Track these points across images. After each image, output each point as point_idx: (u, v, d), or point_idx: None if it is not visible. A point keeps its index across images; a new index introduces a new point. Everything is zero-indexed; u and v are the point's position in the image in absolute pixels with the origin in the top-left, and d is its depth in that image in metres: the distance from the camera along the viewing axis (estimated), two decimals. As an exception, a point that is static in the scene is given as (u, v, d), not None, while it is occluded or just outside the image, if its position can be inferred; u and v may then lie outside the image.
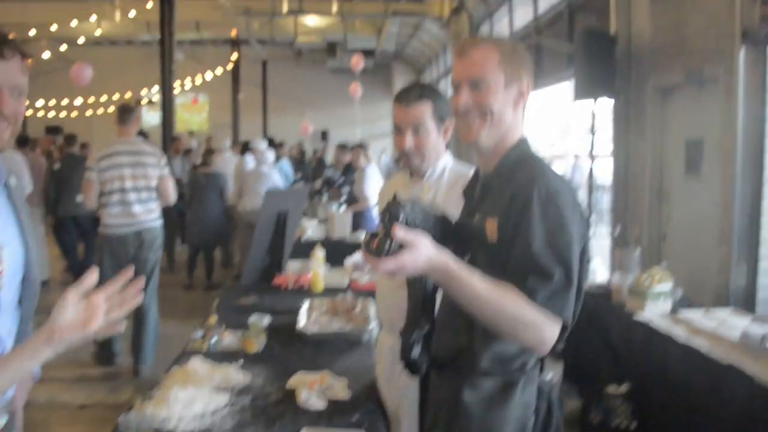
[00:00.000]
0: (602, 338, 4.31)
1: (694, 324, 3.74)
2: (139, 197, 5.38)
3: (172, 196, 5.62)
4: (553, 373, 1.90)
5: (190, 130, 17.04)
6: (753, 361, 3.10)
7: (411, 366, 1.79)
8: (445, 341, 1.84)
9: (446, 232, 1.72)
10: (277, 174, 8.46)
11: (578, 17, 8.33)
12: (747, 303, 4.71)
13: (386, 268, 1.50)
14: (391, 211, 1.54)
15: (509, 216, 1.68)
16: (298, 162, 14.35)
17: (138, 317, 5.54)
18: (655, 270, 4.14)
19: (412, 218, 1.56)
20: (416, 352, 1.75)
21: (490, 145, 1.82)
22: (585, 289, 1.73)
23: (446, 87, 15.90)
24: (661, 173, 6.08)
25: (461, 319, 1.69)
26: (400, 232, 1.49)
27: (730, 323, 3.72)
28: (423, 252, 1.51)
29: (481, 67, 1.76)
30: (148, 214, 5.46)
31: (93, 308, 1.46)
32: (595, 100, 6.59)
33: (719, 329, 3.60)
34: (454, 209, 1.95)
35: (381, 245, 1.49)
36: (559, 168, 1.80)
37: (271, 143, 9.95)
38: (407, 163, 2.51)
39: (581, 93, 6.40)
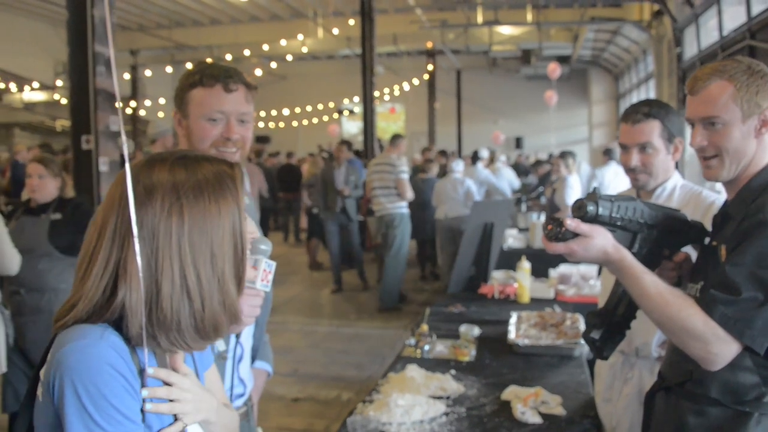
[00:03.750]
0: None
1: None
2: (383, 192, 7.85)
3: (407, 193, 7.81)
4: None
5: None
6: None
7: (589, 345, 1.86)
8: (675, 364, 1.78)
9: (675, 231, 1.77)
10: (470, 180, 8.63)
11: (802, 16, 7.55)
12: None
13: (555, 250, 1.61)
14: (579, 204, 1.63)
15: (733, 238, 1.63)
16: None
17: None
18: None
19: (605, 213, 1.62)
20: (595, 334, 1.81)
21: (731, 178, 1.75)
22: None
23: (647, 92, 15.12)
24: None
25: None
26: (571, 223, 1.58)
27: None
28: (597, 242, 1.58)
29: (713, 105, 1.69)
30: (389, 204, 7.83)
31: None
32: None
33: None
34: None
35: (553, 231, 1.62)
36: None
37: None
38: (633, 180, 2.45)
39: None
